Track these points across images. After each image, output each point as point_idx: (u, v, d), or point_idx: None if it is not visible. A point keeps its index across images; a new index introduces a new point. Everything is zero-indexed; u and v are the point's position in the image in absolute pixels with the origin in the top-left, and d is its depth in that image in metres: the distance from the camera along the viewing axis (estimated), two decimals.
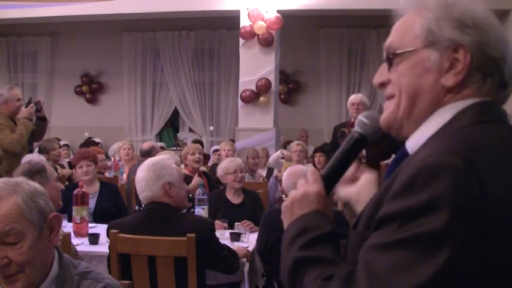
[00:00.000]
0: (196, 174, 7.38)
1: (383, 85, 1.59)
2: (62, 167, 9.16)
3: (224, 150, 9.47)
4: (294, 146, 9.51)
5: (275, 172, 8.98)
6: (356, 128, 1.68)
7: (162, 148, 10.99)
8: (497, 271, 1.23)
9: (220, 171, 6.58)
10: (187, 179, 6.93)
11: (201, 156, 7.79)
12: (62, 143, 11.59)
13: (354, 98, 8.70)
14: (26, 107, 7.61)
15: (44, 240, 2.27)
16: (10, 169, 7.16)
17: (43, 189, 2.36)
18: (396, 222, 1.26)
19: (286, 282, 1.49)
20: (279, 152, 9.98)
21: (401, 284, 1.22)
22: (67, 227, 5.38)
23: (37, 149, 9.08)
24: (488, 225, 1.22)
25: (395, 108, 1.52)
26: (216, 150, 10.37)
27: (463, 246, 1.20)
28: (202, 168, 8.13)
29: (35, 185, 2.33)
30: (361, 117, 1.67)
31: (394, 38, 1.56)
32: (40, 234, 2.25)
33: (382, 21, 13.76)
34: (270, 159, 9.79)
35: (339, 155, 1.68)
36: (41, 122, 7.89)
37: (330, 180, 1.66)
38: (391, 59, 1.55)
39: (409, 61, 1.50)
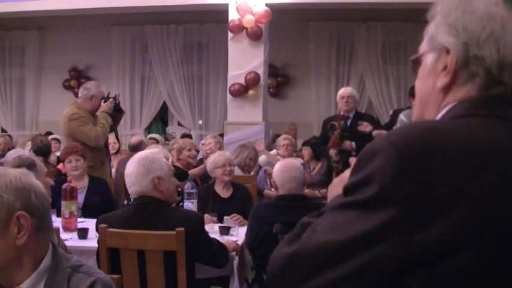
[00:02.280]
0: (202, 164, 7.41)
1: None
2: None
3: (209, 143, 9.45)
4: (282, 140, 9.49)
5: (263, 163, 8.98)
6: (397, 125, 1.81)
7: (156, 140, 10.98)
8: (418, 252, 1.34)
9: (209, 165, 6.59)
10: (181, 173, 6.94)
11: (196, 153, 7.81)
12: (53, 137, 11.55)
13: (343, 91, 8.71)
14: (104, 101, 7.63)
15: (8, 236, 2.25)
16: (94, 164, 7.18)
17: (29, 184, 2.32)
18: (347, 194, 1.45)
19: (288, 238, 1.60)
20: (274, 152, 9.91)
21: (328, 237, 1.40)
22: (56, 221, 5.36)
23: (29, 143, 9.05)
24: (411, 202, 1.34)
25: (415, 111, 1.69)
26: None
27: (386, 218, 1.35)
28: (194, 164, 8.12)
29: (17, 179, 2.29)
30: (401, 115, 1.88)
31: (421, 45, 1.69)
32: (2, 229, 2.24)
33: (371, 14, 13.82)
34: (261, 160, 9.72)
35: None
36: (117, 113, 7.91)
37: None
38: (413, 64, 1.69)
39: (421, 66, 1.64)
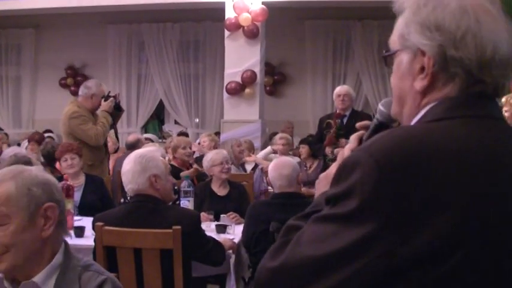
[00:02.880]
0: (194, 165, 7.41)
1: None
2: None
3: (204, 141, 9.49)
4: (278, 139, 9.48)
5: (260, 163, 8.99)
6: (376, 115, 1.78)
7: (151, 140, 10.98)
8: (402, 263, 1.34)
9: (206, 163, 6.58)
10: (177, 171, 6.94)
11: (192, 151, 7.82)
12: (47, 135, 11.53)
13: (339, 89, 8.72)
14: (105, 100, 7.61)
15: (35, 228, 2.33)
16: (93, 163, 7.17)
17: (48, 179, 2.42)
18: (329, 204, 1.44)
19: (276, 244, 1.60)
20: (269, 148, 9.93)
21: (312, 251, 1.40)
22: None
23: (26, 142, 9.04)
24: (392, 215, 1.33)
25: (393, 105, 1.65)
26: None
27: (366, 232, 1.34)
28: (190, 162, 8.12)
29: (38, 174, 2.41)
30: (379, 104, 1.79)
31: (390, 41, 1.63)
32: (30, 221, 2.31)
33: (367, 12, 13.81)
34: (260, 155, 9.73)
35: (365, 141, 1.73)
36: (117, 112, 7.89)
37: None
38: (385, 60, 1.64)
39: (395, 63, 1.59)
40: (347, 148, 1.77)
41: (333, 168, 1.72)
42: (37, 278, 2.33)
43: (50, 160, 7.41)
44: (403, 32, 1.53)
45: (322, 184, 1.73)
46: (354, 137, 1.80)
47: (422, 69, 1.50)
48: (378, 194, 1.34)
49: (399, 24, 1.56)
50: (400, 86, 1.58)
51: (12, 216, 2.28)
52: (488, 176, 1.39)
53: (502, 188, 1.40)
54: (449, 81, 1.48)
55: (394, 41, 1.59)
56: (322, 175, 1.78)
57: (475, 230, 1.35)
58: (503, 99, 4.98)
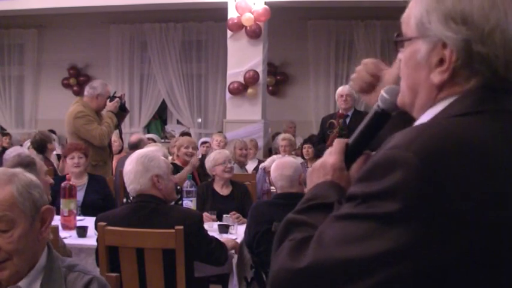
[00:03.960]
0: (196, 158, 7.41)
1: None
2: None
3: (216, 141, 9.52)
4: (280, 140, 9.48)
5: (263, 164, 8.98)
6: (378, 102, 1.70)
7: (153, 140, 10.97)
8: (444, 266, 1.28)
9: (209, 163, 6.58)
10: (179, 170, 6.95)
11: (194, 151, 7.82)
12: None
13: (342, 89, 8.73)
14: (110, 101, 7.65)
15: (34, 231, 2.31)
16: (96, 163, 7.18)
17: (39, 181, 2.41)
18: (356, 201, 1.34)
19: (275, 241, 1.53)
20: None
21: (344, 252, 1.31)
22: (55, 220, 5.34)
23: (28, 141, 9.07)
24: (439, 220, 1.26)
25: (402, 94, 1.55)
26: (204, 142, 10.37)
27: (412, 235, 1.26)
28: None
29: (31, 176, 2.38)
30: (382, 91, 1.69)
31: (402, 23, 1.52)
32: (31, 225, 2.29)
33: (369, 12, 13.81)
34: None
35: (362, 128, 1.73)
36: (122, 112, 7.93)
37: (352, 152, 1.72)
38: (396, 43, 1.55)
39: (408, 50, 1.48)
40: (327, 153, 1.72)
41: (328, 158, 1.69)
42: (22, 283, 2.30)
43: (40, 148, 7.57)
44: (423, 19, 1.42)
45: (317, 175, 1.67)
46: (338, 141, 1.74)
47: (441, 61, 1.40)
48: (424, 196, 1.26)
49: (416, 9, 1.45)
50: (413, 76, 1.48)
51: (17, 221, 2.25)
52: None
53: None
54: (471, 77, 1.39)
55: (408, 25, 1.48)
56: (316, 165, 1.71)
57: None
58: None
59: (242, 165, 8.84)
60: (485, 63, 1.36)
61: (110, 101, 7.59)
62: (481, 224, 1.26)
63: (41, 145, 8.19)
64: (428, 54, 1.42)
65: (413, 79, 1.48)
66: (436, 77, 1.41)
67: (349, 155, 1.71)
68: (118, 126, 7.88)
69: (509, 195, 1.30)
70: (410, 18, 1.46)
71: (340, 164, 1.69)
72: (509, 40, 1.36)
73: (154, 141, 10.93)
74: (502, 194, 1.29)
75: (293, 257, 1.41)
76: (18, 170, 2.42)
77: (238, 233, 5.38)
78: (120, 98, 7.71)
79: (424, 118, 1.46)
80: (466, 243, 1.26)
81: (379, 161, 1.33)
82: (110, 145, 7.82)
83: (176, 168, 5.67)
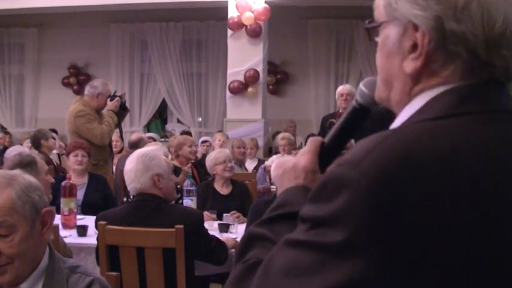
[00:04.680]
0: (189, 165, 7.39)
1: None
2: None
3: (219, 140, 9.55)
4: (280, 140, 9.46)
5: (266, 162, 8.99)
6: (356, 96, 1.52)
7: (153, 139, 10.98)
8: None
9: (209, 162, 6.58)
10: (177, 170, 6.94)
11: (196, 149, 7.83)
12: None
13: (342, 88, 8.71)
14: (110, 100, 7.67)
15: (35, 234, 2.30)
16: (97, 163, 7.18)
17: (39, 183, 2.40)
18: (306, 225, 1.15)
19: (236, 254, 1.41)
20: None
21: (288, 287, 1.13)
22: (55, 218, 5.36)
23: (28, 140, 9.08)
24: (391, 252, 1.06)
25: (378, 88, 1.34)
26: (204, 141, 10.38)
27: (355, 271, 1.07)
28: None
29: (30, 179, 2.36)
30: (361, 84, 1.52)
31: (374, 8, 1.32)
32: (32, 228, 2.28)
33: (370, 12, 13.72)
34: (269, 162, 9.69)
35: (339, 126, 1.55)
36: (122, 111, 7.95)
37: (328, 152, 1.53)
38: (368, 31, 1.34)
39: (380, 37, 1.29)
40: (300, 153, 1.54)
41: (301, 159, 1.50)
42: (24, 285, 2.30)
43: (35, 145, 7.67)
44: (391, 0, 1.23)
45: (287, 178, 1.49)
46: (312, 140, 1.54)
47: (415, 47, 1.19)
48: (373, 225, 1.05)
49: None
50: (386, 66, 1.27)
51: (18, 225, 2.24)
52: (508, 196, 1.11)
53: None
54: (448, 63, 1.17)
55: (379, 8, 1.28)
56: (287, 166, 1.52)
57: (488, 264, 1.09)
58: None
59: (241, 163, 8.84)
60: (461, 44, 1.15)
61: (111, 100, 7.61)
62: (442, 257, 1.06)
63: (35, 141, 8.22)
64: (399, 39, 1.22)
65: (386, 70, 1.28)
66: (409, 65, 1.21)
67: (325, 156, 1.51)
68: (118, 125, 7.88)
69: (479, 224, 1.08)
70: (378, 3, 1.29)
71: (313, 166, 1.48)
72: (487, 14, 1.15)
73: (154, 140, 10.94)
74: (467, 223, 1.07)
75: (239, 284, 1.30)
76: (17, 172, 2.41)
77: (238, 232, 5.38)
78: (120, 97, 7.72)
79: (400, 118, 1.25)
80: (424, 278, 1.07)
81: (326, 179, 1.14)
82: (110, 144, 7.83)
83: (175, 169, 5.67)
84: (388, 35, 1.24)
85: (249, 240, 1.38)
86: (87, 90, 7.62)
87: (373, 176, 1.06)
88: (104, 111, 7.58)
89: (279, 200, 1.44)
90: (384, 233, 1.05)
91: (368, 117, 1.54)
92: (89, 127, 7.26)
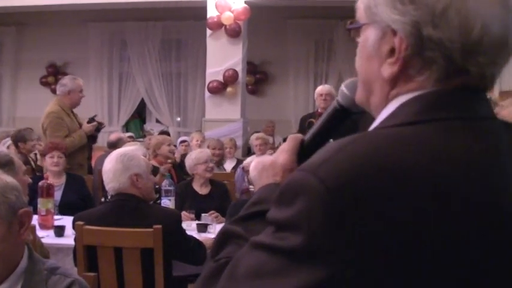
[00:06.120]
0: (166, 166, 7.38)
1: None
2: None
3: (197, 140, 9.52)
4: (254, 140, 9.41)
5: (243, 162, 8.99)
6: (338, 97, 1.52)
7: (131, 138, 10.95)
8: None
9: (190, 161, 6.57)
10: (156, 171, 6.93)
11: (174, 148, 7.82)
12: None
13: (321, 88, 8.73)
14: (88, 122, 7.64)
15: (12, 235, 2.28)
16: (71, 167, 7.08)
17: (17, 183, 2.38)
18: (271, 228, 1.15)
19: (211, 251, 1.40)
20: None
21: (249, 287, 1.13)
22: (32, 219, 5.33)
23: (8, 139, 9.03)
24: (348, 261, 1.05)
25: (358, 91, 1.35)
26: (183, 141, 10.36)
27: (316, 275, 1.06)
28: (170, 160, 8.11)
29: (7, 179, 2.35)
30: (343, 85, 1.50)
31: (356, 8, 1.32)
32: (9, 229, 2.26)
33: (349, 12, 13.73)
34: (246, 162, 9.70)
35: (319, 126, 1.56)
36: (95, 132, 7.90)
37: (308, 151, 1.50)
38: (350, 31, 1.34)
39: (361, 38, 1.29)
40: (280, 150, 1.54)
41: (280, 156, 1.50)
42: (3, 286, 2.29)
43: (16, 141, 7.66)
44: (370, 2, 1.23)
45: (266, 175, 1.49)
46: (292, 138, 1.55)
47: (392, 51, 1.19)
48: (330, 232, 1.05)
49: None
50: (365, 69, 1.28)
51: None
52: (474, 208, 1.10)
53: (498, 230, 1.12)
54: (424, 68, 1.17)
55: (360, 10, 1.28)
56: (266, 162, 1.52)
57: (448, 270, 1.08)
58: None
59: (218, 164, 8.83)
60: (438, 50, 1.15)
61: (88, 123, 7.59)
62: (399, 263, 1.06)
63: (17, 141, 8.21)
64: (377, 43, 1.22)
65: (366, 72, 1.28)
66: (386, 70, 1.21)
67: (304, 154, 1.50)
68: (89, 145, 7.84)
69: (434, 229, 1.07)
70: (360, 4, 1.29)
71: (291, 165, 1.49)
72: (465, 21, 1.14)
73: (134, 138, 10.91)
74: (423, 228, 1.06)
75: (208, 282, 1.30)
76: None
77: (216, 232, 5.37)
78: (100, 124, 7.72)
79: (376, 122, 1.26)
80: (382, 284, 1.06)
81: (288, 183, 1.14)
82: (90, 147, 7.80)
83: (153, 169, 5.65)
84: (368, 37, 1.24)
85: (223, 237, 1.38)
86: (58, 89, 7.60)
87: (330, 183, 1.06)
88: (79, 131, 7.50)
89: (255, 197, 1.44)
90: (340, 240, 1.05)
91: (348, 118, 1.54)
92: (53, 132, 7.21)
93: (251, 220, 1.39)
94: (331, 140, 1.54)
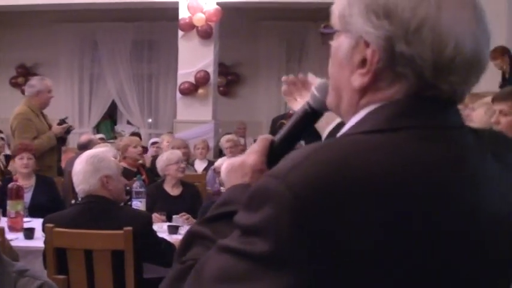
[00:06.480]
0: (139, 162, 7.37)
1: None
2: None
3: (167, 142, 9.50)
4: (224, 142, 9.38)
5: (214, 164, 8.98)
6: (309, 99, 1.52)
7: (102, 139, 10.89)
8: None
9: (161, 162, 6.56)
10: (127, 173, 6.89)
11: (142, 150, 7.79)
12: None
13: None
14: (58, 124, 7.59)
15: None
16: (40, 169, 7.00)
17: None
18: (238, 232, 1.15)
19: (177, 251, 1.38)
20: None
21: None
22: (1, 221, 5.29)
23: None
24: (315, 268, 1.05)
25: (329, 95, 1.34)
26: (154, 143, 10.33)
27: (283, 281, 1.06)
28: (140, 161, 8.09)
29: None
30: (313, 88, 1.50)
31: (331, 13, 1.30)
32: None
33: (321, 14, 13.82)
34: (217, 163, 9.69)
35: (289, 127, 1.54)
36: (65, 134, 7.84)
37: (277, 152, 1.49)
38: (323, 35, 1.35)
39: (334, 44, 1.28)
40: (249, 150, 1.53)
41: (249, 157, 1.49)
42: None
43: None
44: (344, 11, 1.22)
45: (235, 175, 1.48)
46: (261, 138, 1.53)
47: (364, 62, 1.19)
48: (296, 239, 1.05)
49: (338, 3, 1.26)
50: (336, 75, 1.28)
51: None
52: (443, 215, 1.11)
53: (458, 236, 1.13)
54: (394, 82, 1.18)
55: (334, 15, 1.27)
56: (235, 163, 1.51)
57: (418, 276, 1.10)
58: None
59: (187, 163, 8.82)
60: (409, 66, 1.15)
61: (58, 124, 7.54)
62: (366, 273, 1.06)
63: None
64: (350, 52, 1.22)
65: (337, 79, 1.28)
66: (356, 80, 1.21)
67: (273, 156, 1.49)
68: (58, 147, 7.79)
69: (404, 239, 1.08)
70: (335, 8, 1.27)
71: (261, 165, 1.47)
72: (439, 39, 1.14)
73: (105, 140, 10.87)
74: (392, 238, 1.07)
75: (174, 285, 1.29)
76: None
77: None
78: (70, 127, 7.67)
79: (344, 128, 1.26)
80: None
81: (256, 188, 1.13)
82: (59, 150, 7.75)
83: (123, 171, 5.64)
84: (341, 44, 1.24)
85: (190, 238, 1.37)
86: (27, 90, 7.57)
87: (298, 190, 1.05)
88: (48, 132, 7.45)
89: (222, 198, 1.44)
90: (308, 247, 1.04)
91: (318, 119, 1.54)
92: (21, 132, 7.16)
93: (218, 221, 1.37)
94: (302, 141, 1.54)
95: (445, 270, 1.12)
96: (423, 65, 1.14)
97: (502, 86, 8.13)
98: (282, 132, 1.55)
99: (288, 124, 1.55)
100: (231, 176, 1.49)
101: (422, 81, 1.16)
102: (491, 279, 1.21)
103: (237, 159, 1.52)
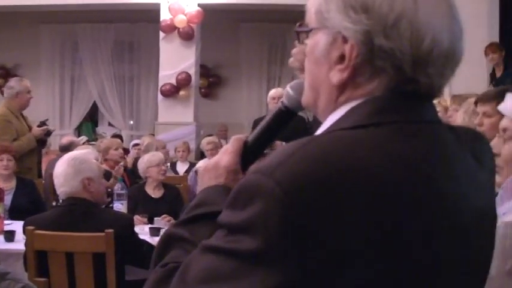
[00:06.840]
0: (119, 166, 7.33)
1: None
2: None
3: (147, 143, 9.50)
4: (205, 144, 9.35)
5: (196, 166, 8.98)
6: (283, 98, 1.50)
7: (87, 141, 10.84)
8: None
9: (142, 165, 6.56)
10: (108, 175, 6.88)
11: (122, 153, 7.77)
12: None
13: (274, 92, 8.75)
14: (38, 126, 7.56)
15: None
16: (19, 170, 6.93)
17: None
18: (223, 231, 1.14)
19: (154, 254, 1.37)
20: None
21: None
22: None
23: None
24: (304, 262, 1.05)
25: (305, 93, 1.34)
26: (136, 145, 10.31)
27: (273, 278, 1.06)
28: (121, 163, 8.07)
29: None
30: (288, 87, 1.48)
31: (306, 11, 1.31)
32: None
33: (303, 16, 13.86)
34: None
35: (263, 127, 1.53)
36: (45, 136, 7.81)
37: (251, 151, 1.51)
38: (298, 34, 1.37)
39: (310, 42, 1.27)
40: (222, 151, 1.52)
41: (222, 158, 1.48)
42: None
43: None
44: (321, 7, 1.22)
45: (208, 177, 1.47)
46: (235, 139, 1.54)
47: (342, 58, 1.19)
48: (287, 234, 1.05)
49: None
50: (313, 72, 1.27)
51: None
52: (428, 212, 1.13)
53: (444, 225, 1.16)
54: (373, 77, 1.19)
55: (310, 13, 1.27)
56: (208, 164, 1.50)
57: (403, 273, 1.11)
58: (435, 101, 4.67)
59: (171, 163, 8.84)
60: (388, 60, 1.16)
61: (39, 126, 7.51)
62: (356, 268, 1.07)
63: None
64: (327, 49, 1.21)
65: (314, 77, 1.27)
66: (335, 76, 1.21)
67: (247, 156, 1.49)
68: (38, 150, 7.76)
69: (391, 233, 1.09)
70: (310, 7, 1.28)
71: (235, 166, 1.47)
72: (417, 33, 1.16)
73: (88, 141, 10.82)
74: (379, 233, 1.08)
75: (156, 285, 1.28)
76: None
77: None
78: (49, 131, 7.65)
79: (323, 126, 1.26)
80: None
81: (242, 186, 1.13)
82: (39, 151, 7.72)
83: (105, 173, 5.63)
84: (317, 42, 1.23)
85: (167, 241, 1.37)
86: (5, 92, 7.54)
87: (286, 186, 1.05)
88: (27, 134, 7.41)
89: (198, 199, 1.43)
90: (297, 244, 1.05)
91: (293, 119, 1.53)
92: (1, 134, 7.11)
93: (196, 223, 1.37)
94: (278, 141, 1.53)
95: (434, 264, 1.15)
96: (402, 58, 1.16)
97: (495, 85, 8.18)
98: (255, 131, 1.54)
99: (262, 124, 1.53)
100: (205, 177, 1.48)
101: (401, 74, 1.17)
102: (476, 273, 1.27)
103: (211, 161, 1.51)
